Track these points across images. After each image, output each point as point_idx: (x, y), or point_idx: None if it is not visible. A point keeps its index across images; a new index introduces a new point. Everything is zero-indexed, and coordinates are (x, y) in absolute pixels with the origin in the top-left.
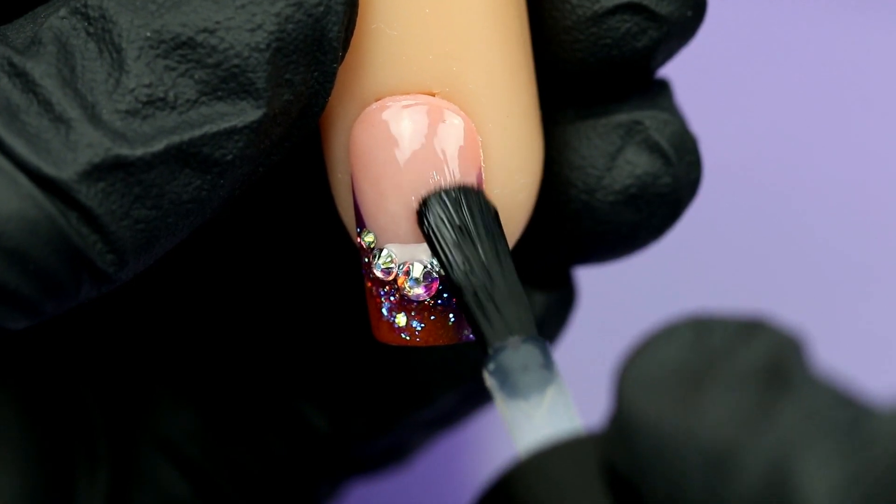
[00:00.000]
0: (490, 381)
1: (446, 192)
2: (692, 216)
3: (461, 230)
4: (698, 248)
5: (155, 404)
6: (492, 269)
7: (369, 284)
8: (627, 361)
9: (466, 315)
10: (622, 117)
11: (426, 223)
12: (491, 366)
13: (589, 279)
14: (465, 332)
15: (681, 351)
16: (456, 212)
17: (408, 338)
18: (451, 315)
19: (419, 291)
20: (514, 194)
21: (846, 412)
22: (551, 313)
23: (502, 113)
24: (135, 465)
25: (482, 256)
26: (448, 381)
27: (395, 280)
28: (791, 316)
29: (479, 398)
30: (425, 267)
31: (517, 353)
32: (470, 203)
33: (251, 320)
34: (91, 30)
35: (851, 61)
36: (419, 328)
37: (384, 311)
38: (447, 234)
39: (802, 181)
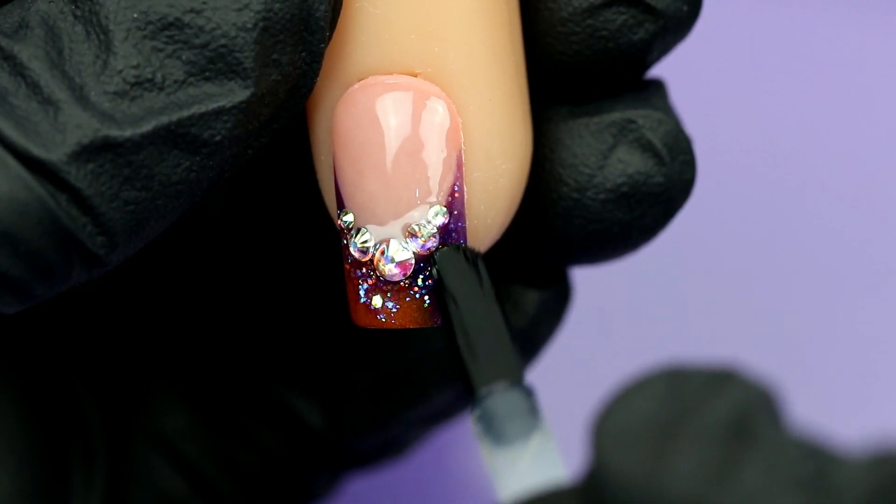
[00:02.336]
0: (475, 427)
1: (451, 246)
2: (691, 216)
3: (463, 278)
4: (697, 248)
5: (150, 401)
6: (482, 313)
7: (347, 267)
8: (602, 414)
9: (455, 359)
10: (615, 116)
11: (441, 276)
12: (477, 412)
13: (587, 277)
14: (440, 316)
15: (653, 403)
16: (459, 262)
17: (384, 319)
18: (426, 298)
19: (395, 271)
20: (495, 179)
21: (811, 464)
22: (545, 311)
23: (484, 96)
24: (130, 463)
25: (475, 302)
26: (444, 379)
27: (371, 260)
28: (789, 315)
29: None
30: (403, 246)
31: (503, 399)
32: (466, 253)
33: (245, 316)
34: (78, 12)
35: (852, 62)
36: (395, 310)
37: (361, 292)
38: (455, 282)
39: (802, 180)
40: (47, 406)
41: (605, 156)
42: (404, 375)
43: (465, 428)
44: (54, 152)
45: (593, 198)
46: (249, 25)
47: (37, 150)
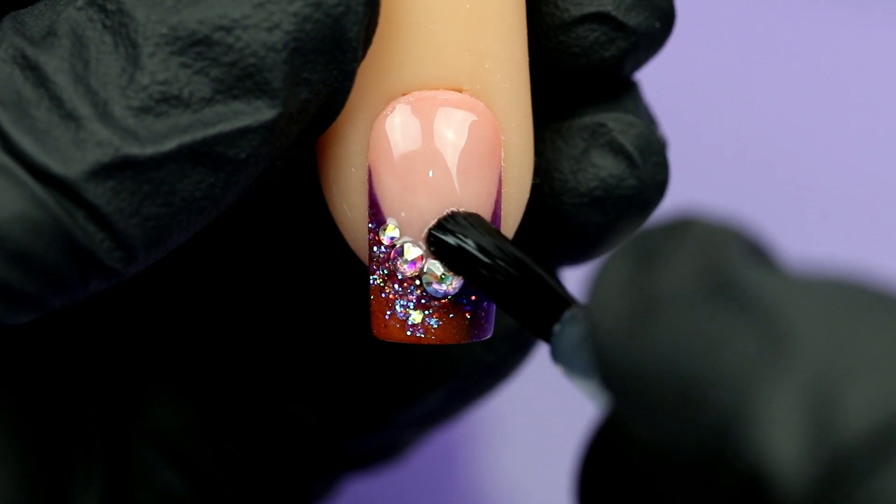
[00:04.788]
0: (564, 360)
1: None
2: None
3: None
4: None
5: (150, 399)
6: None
7: (381, 281)
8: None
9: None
10: (586, 120)
11: (455, 240)
12: (566, 344)
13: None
14: (477, 331)
15: (627, 270)
16: (470, 228)
17: (422, 335)
18: (468, 314)
19: (453, 288)
20: (522, 195)
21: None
22: None
23: (522, 113)
24: (130, 461)
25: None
26: (435, 379)
27: (418, 275)
28: None
29: (466, 395)
30: None
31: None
32: (472, 223)
33: (244, 318)
34: (108, 23)
35: (851, 62)
36: (436, 325)
37: (398, 307)
38: (478, 241)
39: (799, 181)
40: (46, 404)
41: (577, 161)
42: (398, 375)
43: (464, 429)
44: (73, 169)
45: (569, 202)
46: (279, 46)
47: (55, 167)
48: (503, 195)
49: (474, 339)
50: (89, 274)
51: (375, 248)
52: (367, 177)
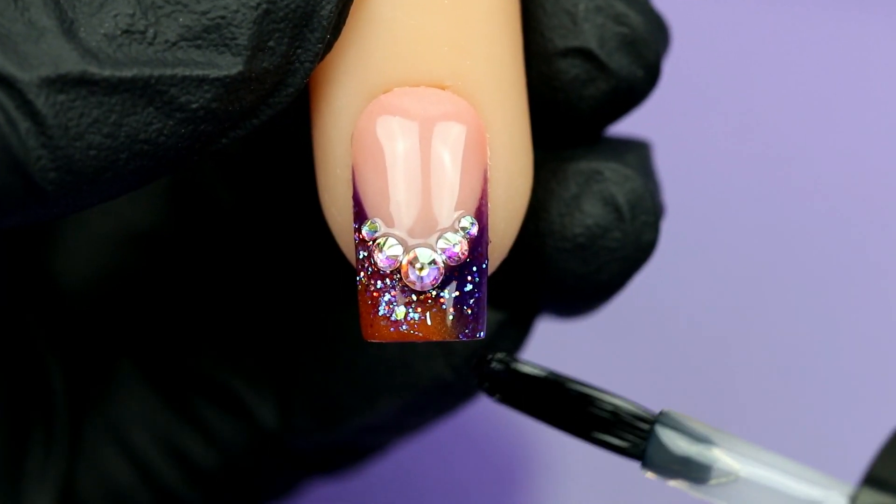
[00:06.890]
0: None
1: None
2: (691, 218)
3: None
4: (697, 254)
5: (109, 386)
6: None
7: (366, 280)
8: None
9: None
10: (583, 165)
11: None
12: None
13: None
14: (463, 328)
15: None
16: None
17: (406, 329)
18: (451, 311)
19: (429, 279)
20: (514, 199)
21: None
22: (501, 334)
23: (509, 113)
24: (80, 445)
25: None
26: (391, 389)
27: (398, 270)
28: (789, 325)
29: (424, 411)
30: (433, 254)
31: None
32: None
33: (209, 305)
34: None
35: (852, 65)
36: (419, 321)
37: (382, 303)
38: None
39: (800, 184)
40: (13, 380)
41: (567, 204)
42: (355, 380)
43: (458, 433)
44: (28, 73)
45: (551, 246)
46: (253, 4)
47: (10, 67)
48: (491, 195)
49: (462, 338)
50: (13, 193)
51: (360, 248)
52: (351, 176)
